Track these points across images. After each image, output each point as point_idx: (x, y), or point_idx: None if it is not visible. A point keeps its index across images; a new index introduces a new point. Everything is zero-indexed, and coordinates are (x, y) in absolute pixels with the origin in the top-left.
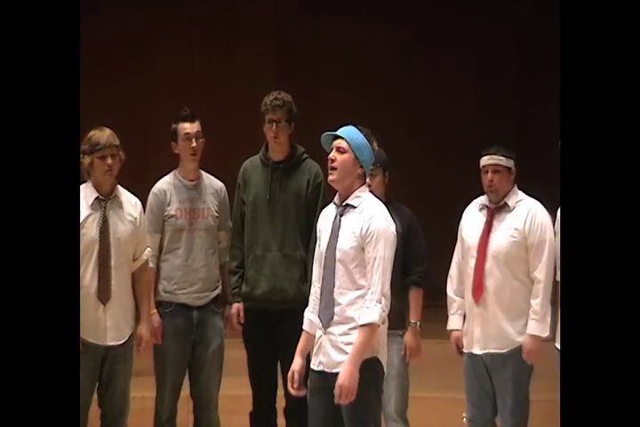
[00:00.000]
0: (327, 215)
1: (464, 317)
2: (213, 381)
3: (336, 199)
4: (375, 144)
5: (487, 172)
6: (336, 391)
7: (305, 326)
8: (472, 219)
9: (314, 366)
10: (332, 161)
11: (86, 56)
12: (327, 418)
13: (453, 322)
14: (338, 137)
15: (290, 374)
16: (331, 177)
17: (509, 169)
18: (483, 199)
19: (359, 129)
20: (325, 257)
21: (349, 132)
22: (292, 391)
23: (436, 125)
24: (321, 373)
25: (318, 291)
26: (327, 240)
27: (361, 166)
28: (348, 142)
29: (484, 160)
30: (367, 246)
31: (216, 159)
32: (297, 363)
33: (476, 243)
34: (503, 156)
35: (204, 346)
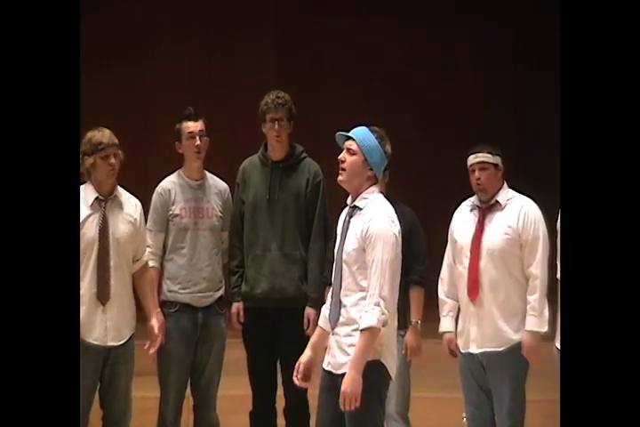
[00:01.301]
0: (342, 217)
1: (456, 319)
2: (214, 381)
3: (348, 200)
4: (388, 147)
5: (474, 171)
6: (340, 399)
7: (320, 322)
8: (463, 219)
9: (323, 365)
10: (342, 162)
11: (86, 56)
12: (335, 416)
13: (445, 324)
14: (350, 138)
15: (297, 364)
16: (340, 177)
17: (496, 166)
18: (473, 200)
19: (372, 131)
20: (335, 258)
21: (361, 133)
22: (296, 382)
23: (437, 120)
24: (328, 373)
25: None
26: (338, 242)
27: (370, 169)
28: (358, 144)
29: (470, 159)
30: (367, 249)
31: (215, 158)
32: (305, 355)
33: (469, 242)
34: (489, 153)
35: (206, 347)
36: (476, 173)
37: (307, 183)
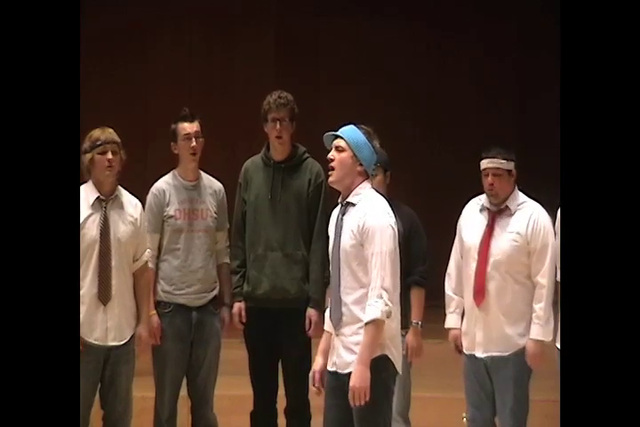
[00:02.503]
0: (334, 216)
1: (462, 315)
2: (210, 380)
3: (340, 199)
4: (377, 142)
5: (487, 175)
6: (349, 394)
7: (325, 326)
8: (472, 219)
9: (328, 366)
10: (331, 160)
11: (86, 55)
12: (341, 418)
13: (451, 320)
14: (337, 137)
15: (311, 374)
16: (330, 178)
17: (510, 171)
18: (483, 199)
19: (359, 127)
20: (332, 257)
21: (347, 130)
22: (315, 391)
23: (438, 121)
24: (334, 373)
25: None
26: (332, 240)
27: (360, 164)
28: (345, 141)
29: (485, 163)
30: (365, 243)
31: (215, 159)
32: (317, 363)
33: (477, 245)
34: (504, 159)
35: (202, 346)
36: (490, 179)
37: (309, 183)
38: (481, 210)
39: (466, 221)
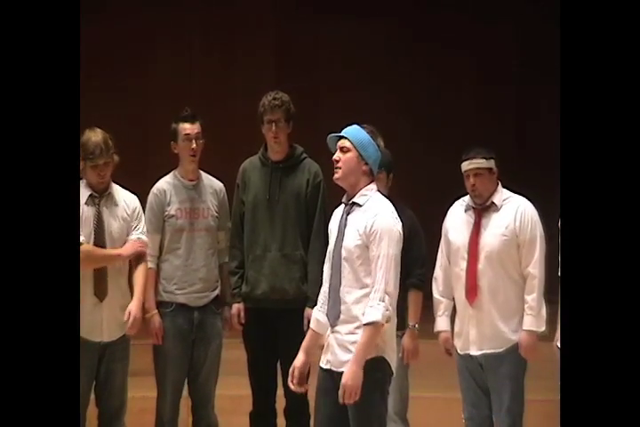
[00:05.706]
0: (336, 215)
1: (451, 317)
2: (211, 380)
3: (344, 198)
4: (380, 141)
5: (469, 176)
6: (340, 391)
7: (312, 324)
8: (458, 220)
9: (322, 364)
10: (337, 161)
11: (86, 56)
12: (333, 417)
13: (441, 323)
14: (341, 137)
15: (291, 369)
16: (335, 175)
17: (490, 169)
18: (467, 200)
19: (362, 126)
20: (332, 256)
21: (352, 130)
22: (292, 387)
23: (437, 124)
24: (328, 371)
25: (327, 289)
26: (334, 239)
27: (366, 163)
28: (350, 141)
29: (465, 165)
30: (371, 245)
31: (215, 159)
32: (299, 359)
33: (466, 244)
34: (483, 158)
35: (203, 346)
36: (471, 180)
37: (307, 183)
38: (466, 210)
39: (451, 223)
